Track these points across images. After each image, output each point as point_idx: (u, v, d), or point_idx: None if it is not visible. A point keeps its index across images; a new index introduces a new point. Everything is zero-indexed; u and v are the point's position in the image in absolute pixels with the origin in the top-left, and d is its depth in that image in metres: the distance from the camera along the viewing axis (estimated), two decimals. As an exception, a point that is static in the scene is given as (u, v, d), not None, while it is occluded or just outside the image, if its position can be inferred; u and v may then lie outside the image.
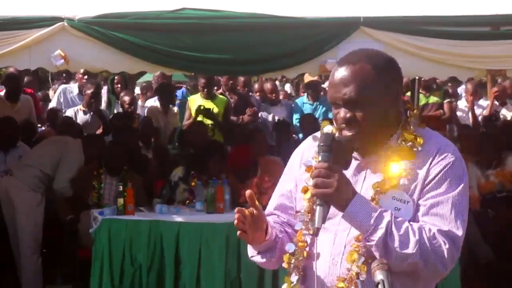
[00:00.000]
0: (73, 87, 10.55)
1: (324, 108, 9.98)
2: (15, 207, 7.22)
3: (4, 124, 7.84)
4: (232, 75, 9.56)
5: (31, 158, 7.51)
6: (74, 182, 7.33)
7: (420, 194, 2.48)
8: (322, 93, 10.64)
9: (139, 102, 10.90)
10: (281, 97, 11.18)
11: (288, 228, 2.68)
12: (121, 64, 6.58)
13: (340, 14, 6.50)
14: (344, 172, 2.48)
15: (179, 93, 11.78)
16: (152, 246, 6.58)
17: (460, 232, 2.45)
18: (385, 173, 2.50)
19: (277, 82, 12.24)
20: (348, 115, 2.48)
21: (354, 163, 2.56)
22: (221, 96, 9.76)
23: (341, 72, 2.51)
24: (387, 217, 2.42)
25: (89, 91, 9.58)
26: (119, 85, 10.82)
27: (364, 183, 2.53)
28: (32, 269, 7.23)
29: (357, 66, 2.50)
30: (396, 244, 2.40)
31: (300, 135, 9.17)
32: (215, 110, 9.29)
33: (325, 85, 11.77)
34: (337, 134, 2.53)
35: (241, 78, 10.12)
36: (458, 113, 10.71)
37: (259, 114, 9.91)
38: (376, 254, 2.43)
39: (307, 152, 2.67)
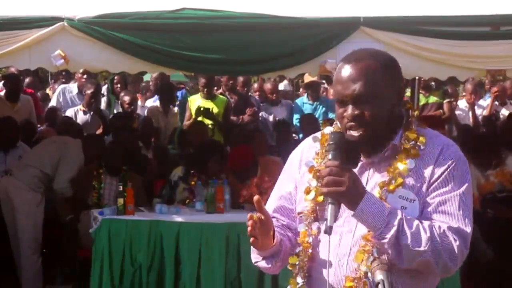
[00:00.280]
0: (73, 87, 10.55)
1: (324, 108, 9.98)
2: (15, 207, 7.22)
3: (4, 124, 7.84)
4: (232, 75, 9.56)
5: (31, 158, 7.51)
6: (74, 182, 7.33)
7: (426, 192, 2.49)
8: (324, 93, 10.65)
9: (139, 102, 10.90)
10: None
11: (289, 232, 2.68)
12: (121, 64, 6.58)
13: (340, 14, 6.50)
14: None
15: (178, 93, 11.77)
16: (152, 246, 6.58)
17: (468, 229, 2.52)
18: (391, 172, 2.51)
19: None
20: (356, 112, 2.48)
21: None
22: (221, 96, 9.76)
23: (348, 69, 2.51)
24: (398, 215, 2.43)
25: (89, 91, 9.59)
26: (119, 85, 10.82)
27: (368, 183, 2.54)
28: (32, 269, 7.23)
29: (364, 63, 2.51)
30: (409, 241, 2.41)
31: (300, 135, 9.17)
32: (215, 110, 9.29)
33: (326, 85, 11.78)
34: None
35: (240, 78, 10.12)
36: (458, 113, 10.70)
37: (260, 114, 9.91)
38: (388, 252, 2.44)
39: (306, 153, 2.66)
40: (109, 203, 7.14)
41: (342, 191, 2.38)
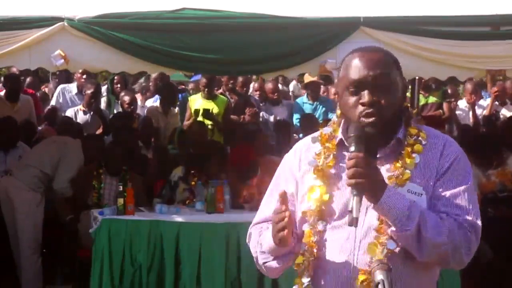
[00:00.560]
0: (72, 87, 10.55)
1: (324, 108, 9.97)
2: (15, 207, 7.22)
3: (4, 124, 7.84)
4: (232, 75, 9.57)
5: (31, 158, 7.51)
6: (74, 182, 7.33)
7: (434, 186, 2.51)
8: (324, 93, 10.65)
9: (139, 102, 10.89)
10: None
11: None
12: (121, 64, 6.58)
13: (340, 14, 6.50)
14: None
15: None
16: (152, 246, 6.57)
17: (479, 222, 2.53)
18: (398, 166, 2.52)
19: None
20: (374, 97, 2.49)
21: None
22: (221, 96, 9.76)
23: (365, 57, 2.55)
24: (418, 206, 2.45)
25: (89, 91, 9.59)
26: (119, 85, 10.82)
27: None
28: (32, 269, 7.23)
29: (379, 54, 2.59)
30: (430, 233, 2.43)
31: (300, 135, 9.16)
32: (216, 110, 9.29)
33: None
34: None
35: (240, 78, 10.13)
36: (458, 113, 10.70)
37: (261, 114, 9.91)
38: (407, 245, 2.45)
39: (305, 154, 2.66)
40: (109, 203, 7.14)
41: (368, 182, 2.39)
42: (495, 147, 8.17)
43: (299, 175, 2.63)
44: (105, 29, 6.24)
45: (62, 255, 7.54)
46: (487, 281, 7.43)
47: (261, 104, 10.19)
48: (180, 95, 11.22)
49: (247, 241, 2.75)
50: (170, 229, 6.60)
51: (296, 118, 9.97)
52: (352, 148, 2.43)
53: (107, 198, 7.32)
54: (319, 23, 6.46)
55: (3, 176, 7.48)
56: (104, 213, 6.68)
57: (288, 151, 2.80)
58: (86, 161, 7.48)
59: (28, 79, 11.37)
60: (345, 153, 2.54)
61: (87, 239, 6.77)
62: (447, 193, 2.51)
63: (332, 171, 2.56)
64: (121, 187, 6.85)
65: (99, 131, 9.11)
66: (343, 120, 2.63)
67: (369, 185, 2.39)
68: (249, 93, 10.54)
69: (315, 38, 6.47)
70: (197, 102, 9.51)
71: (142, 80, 13.14)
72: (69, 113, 9.65)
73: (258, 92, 10.51)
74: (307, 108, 10.09)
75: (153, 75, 10.94)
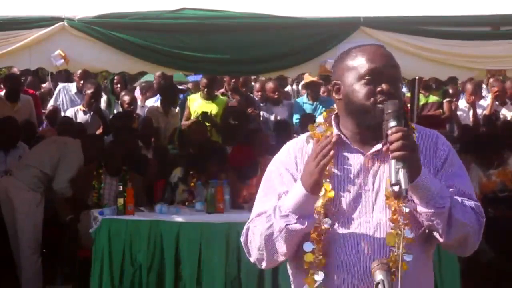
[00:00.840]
0: (72, 86, 10.55)
1: (324, 108, 9.96)
2: (15, 207, 7.22)
3: (5, 124, 7.84)
4: (232, 75, 9.57)
5: (30, 158, 7.51)
6: (73, 182, 7.33)
7: (436, 177, 2.54)
8: (324, 94, 10.64)
9: (139, 102, 10.90)
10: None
11: None
12: (121, 64, 6.58)
13: (340, 14, 6.50)
14: (353, 165, 2.56)
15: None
16: (152, 246, 6.58)
17: (482, 209, 2.61)
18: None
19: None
20: (392, 88, 2.53)
21: (357, 156, 2.57)
22: (221, 97, 9.76)
23: (374, 50, 2.59)
24: (446, 186, 2.52)
25: (89, 91, 9.59)
26: (119, 85, 10.82)
27: (377, 175, 2.56)
28: (32, 269, 7.23)
29: (385, 49, 2.63)
30: (458, 213, 2.50)
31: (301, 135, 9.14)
32: (215, 111, 9.29)
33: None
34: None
35: (240, 78, 10.13)
36: (459, 113, 10.70)
37: (261, 114, 9.92)
38: (437, 224, 2.48)
39: (300, 153, 2.64)
40: (109, 203, 7.14)
41: (414, 155, 2.41)
42: (496, 147, 8.18)
43: (299, 175, 2.60)
44: (105, 29, 6.24)
45: (62, 255, 7.54)
46: (487, 281, 7.43)
47: (261, 104, 10.20)
48: (182, 95, 11.23)
49: (242, 239, 2.69)
50: (170, 229, 6.61)
51: (296, 118, 9.97)
52: (393, 123, 2.43)
53: (107, 198, 7.32)
54: (319, 23, 6.46)
55: (3, 176, 7.49)
56: (104, 213, 6.68)
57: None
58: (86, 161, 7.49)
59: (28, 79, 11.37)
60: (346, 153, 2.56)
61: (87, 239, 6.77)
62: (454, 182, 2.56)
63: (334, 169, 2.56)
64: (121, 187, 6.85)
65: (99, 131, 9.11)
66: (333, 117, 2.65)
67: (414, 158, 2.41)
68: (248, 93, 10.55)
69: (315, 38, 6.46)
70: (196, 102, 9.52)
71: (141, 80, 13.15)
72: (69, 113, 9.65)
73: (259, 93, 10.52)
74: (307, 108, 10.09)
75: (157, 73, 10.92)
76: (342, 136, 2.58)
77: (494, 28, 6.57)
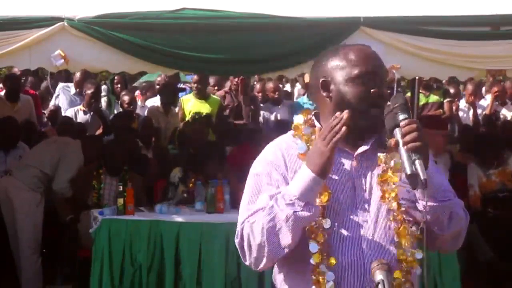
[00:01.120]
0: (71, 86, 10.56)
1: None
2: (15, 207, 7.22)
3: (5, 124, 7.84)
4: (232, 75, 9.57)
5: (30, 158, 7.51)
6: (73, 183, 7.33)
7: None
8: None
9: (139, 102, 10.90)
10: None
11: None
12: (121, 64, 6.57)
13: (340, 14, 6.50)
14: (343, 165, 2.57)
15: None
16: (152, 246, 6.57)
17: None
18: (382, 161, 2.56)
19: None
20: (384, 90, 2.57)
21: (345, 156, 2.57)
22: (214, 96, 9.79)
23: (366, 49, 2.60)
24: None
25: (89, 91, 9.60)
26: (119, 85, 10.82)
27: (367, 173, 2.57)
28: (32, 269, 7.23)
29: (372, 49, 2.64)
30: (456, 206, 2.57)
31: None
32: (207, 110, 9.32)
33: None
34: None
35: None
36: (459, 113, 10.71)
37: (261, 114, 9.92)
38: (440, 217, 2.51)
39: (287, 152, 2.63)
40: (109, 203, 7.14)
41: (427, 146, 2.43)
42: (496, 146, 8.18)
43: (290, 176, 2.58)
44: (105, 29, 6.24)
45: (62, 255, 7.54)
46: (487, 281, 7.44)
47: (261, 105, 10.20)
48: (181, 94, 11.24)
49: (236, 241, 2.65)
50: (170, 229, 6.60)
51: (296, 118, 9.95)
52: (403, 115, 2.45)
53: (107, 198, 7.32)
54: (319, 23, 6.46)
55: (3, 176, 7.48)
56: (104, 213, 6.68)
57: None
58: (86, 161, 7.48)
59: (29, 79, 11.38)
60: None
61: (87, 239, 6.77)
62: (438, 181, 2.57)
63: None
64: (121, 187, 6.85)
65: (99, 131, 9.11)
66: (312, 117, 2.64)
67: (427, 150, 2.43)
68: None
69: (315, 38, 6.46)
70: (190, 102, 9.54)
71: (141, 80, 13.15)
72: (69, 113, 9.66)
73: (260, 94, 10.53)
74: (307, 108, 10.08)
75: (161, 75, 10.91)
76: None
77: (494, 28, 6.56)
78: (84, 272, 6.79)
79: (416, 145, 2.40)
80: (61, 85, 10.78)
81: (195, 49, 6.38)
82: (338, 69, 2.57)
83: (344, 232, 2.53)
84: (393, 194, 2.53)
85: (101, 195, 7.37)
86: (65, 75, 11.60)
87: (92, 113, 9.50)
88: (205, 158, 7.39)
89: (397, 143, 2.44)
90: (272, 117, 9.97)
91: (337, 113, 2.45)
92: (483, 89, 11.28)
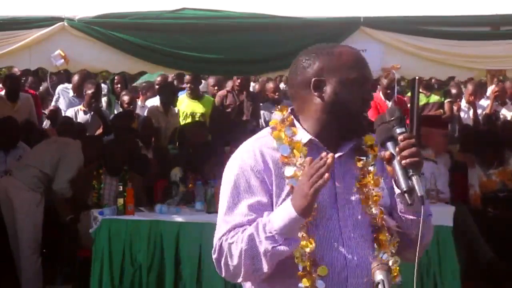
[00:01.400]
0: (70, 88, 10.57)
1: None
2: (15, 207, 7.22)
3: (5, 124, 7.84)
4: (232, 75, 9.57)
5: (31, 158, 7.51)
6: (73, 183, 7.33)
7: (386, 179, 2.56)
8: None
9: (139, 102, 10.90)
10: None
11: None
12: (121, 64, 6.58)
13: (340, 14, 6.50)
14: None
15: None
16: (152, 246, 6.58)
17: None
18: (366, 166, 2.55)
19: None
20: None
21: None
22: (207, 96, 9.80)
23: (360, 55, 2.57)
24: None
25: (89, 91, 9.60)
26: (119, 85, 10.82)
27: (347, 173, 2.54)
28: (32, 269, 7.22)
29: None
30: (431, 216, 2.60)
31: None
32: (201, 110, 9.32)
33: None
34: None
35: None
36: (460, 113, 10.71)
37: (262, 114, 9.92)
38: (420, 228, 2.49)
39: (267, 152, 2.52)
40: (109, 203, 7.14)
41: (422, 163, 2.42)
42: (496, 146, 8.18)
43: (276, 182, 2.49)
44: (105, 29, 6.24)
45: (62, 255, 7.54)
46: (487, 281, 7.44)
47: (261, 104, 10.21)
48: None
49: (214, 256, 2.54)
50: (170, 229, 6.60)
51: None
52: (401, 129, 2.43)
53: (107, 198, 7.32)
54: (319, 23, 6.46)
55: (3, 176, 7.48)
56: (104, 213, 6.68)
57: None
58: (86, 162, 7.48)
59: (29, 79, 11.38)
60: (317, 155, 2.44)
61: (87, 239, 6.77)
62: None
63: None
64: (121, 187, 6.85)
65: (99, 131, 9.11)
66: (292, 118, 2.56)
67: (422, 165, 2.42)
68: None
69: (315, 38, 6.44)
70: (183, 102, 9.55)
71: (141, 80, 13.15)
72: (70, 113, 9.66)
73: (259, 94, 10.54)
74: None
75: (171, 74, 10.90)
76: (315, 139, 2.52)
77: (494, 28, 6.57)
78: (84, 272, 6.79)
79: (414, 160, 2.38)
80: (60, 87, 10.78)
81: (195, 49, 6.38)
82: (335, 70, 2.51)
83: (328, 233, 2.48)
84: (374, 200, 2.52)
85: (101, 195, 7.36)
86: (66, 75, 11.61)
87: (92, 113, 9.49)
88: (205, 159, 7.39)
89: (391, 156, 2.42)
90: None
91: (323, 154, 2.37)
92: (488, 90, 11.27)
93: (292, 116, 2.57)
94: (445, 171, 7.93)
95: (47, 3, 6.48)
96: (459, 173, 8.11)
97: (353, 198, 2.52)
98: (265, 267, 2.42)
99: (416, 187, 2.36)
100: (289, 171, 2.47)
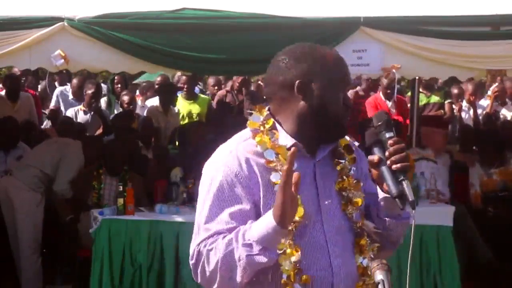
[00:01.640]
0: (69, 90, 10.57)
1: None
2: (15, 207, 7.22)
3: (5, 124, 7.84)
4: (232, 75, 9.58)
5: (31, 158, 7.51)
6: (74, 184, 7.33)
7: (366, 182, 2.57)
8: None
9: (139, 102, 10.91)
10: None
11: None
12: (121, 64, 6.58)
13: (340, 14, 6.50)
14: (307, 171, 2.45)
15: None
16: (152, 246, 6.57)
17: None
18: (345, 169, 2.54)
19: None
20: None
21: (307, 161, 2.48)
22: (202, 96, 9.79)
23: (343, 59, 2.53)
24: None
25: (89, 91, 9.60)
26: (119, 85, 10.82)
27: (327, 177, 2.50)
28: (32, 269, 7.22)
29: None
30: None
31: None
32: (197, 110, 9.32)
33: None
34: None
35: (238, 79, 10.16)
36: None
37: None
38: (401, 230, 2.55)
39: (251, 157, 2.43)
40: (109, 203, 7.14)
41: (412, 167, 2.43)
42: (496, 145, 8.18)
43: (263, 189, 2.41)
44: (105, 29, 6.24)
45: (62, 255, 7.54)
46: (487, 281, 7.43)
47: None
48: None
49: (191, 262, 2.45)
50: (170, 229, 6.60)
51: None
52: (390, 134, 2.42)
53: (107, 198, 7.32)
54: (319, 23, 6.46)
55: (3, 176, 7.48)
56: (104, 213, 6.68)
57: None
58: (86, 162, 7.48)
59: (28, 79, 11.38)
60: (299, 160, 2.38)
61: (87, 239, 6.77)
62: (374, 191, 2.56)
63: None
64: (121, 187, 6.85)
65: (99, 131, 9.11)
66: (275, 123, 2.48)
67: (411, 169, 2.42)
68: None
69: (315, 38, 6.44)
70: (180, 102, 9.57)
71: (140, 79, 13.16)
72: (70, 113, 9.66)
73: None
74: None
75: (177, 75, 10.91)
76: (298, 143, 2.45)
77: (494, 28, 6.57)
78: (84, 272, 6.79)
79: (405, 165, 2.38)
80: (58, 89, 10.78)
81: (195, 49, 6.38)
82: (321, 73, 2.44)
83: (313, 239, 2.44)
84: (354, 204, 2.51)
85: (101, 195, 7.36)
86: (66, 75, 11.61)
87: (92, 113, 9.50)
88: (203, 159, 7.38)
89: (380, 161, 2.41)
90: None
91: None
92: (489, 90, 11.28)
93: (272, 119, 2.49)
94: (445, 171, 7.93)
95: (47, 3, 6.49)
96: (459, 173, 8.12)
97: (334, 202, 2.49)
98: (239, 276, 2.33)
99: (407, 192, 2.36)
100: (275, 177, 2.40)
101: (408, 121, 8.92)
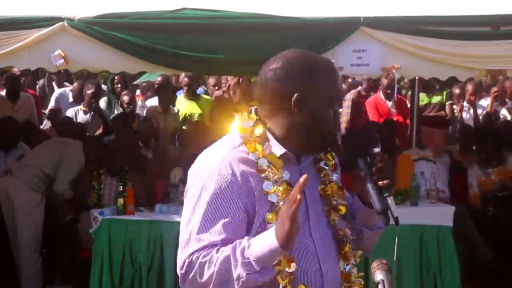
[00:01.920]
0: (69, 92, 10.56)
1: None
2: (15, 207, 7.21)
3: (5, 124, 7.84)
4: (232, 75, 9.57)
5: (31, 158, 7.51)
6: (74, 184, 7.33)
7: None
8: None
9: (139, 102, 10.90)
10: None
11: None
12: (121, 64, 6.58)
13: (340, 14, 6.50)
14: (295, 179, 2.41)
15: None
16: (152, 246, 6.57)
17: None
18: (327, 176, 2.55)
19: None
20: None
21: (294, 168, 2.47)
22: (204, 96, 9.78)
23: (338, 72, 2.54)
24: None
25: (89, 91, 9.60)
26: (119, 85, 10.82)
27: (312, 185, 2.50)
28: (32, 269, 7.22)
29: None
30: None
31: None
32: (198, 111, 9.31)
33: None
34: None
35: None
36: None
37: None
38: (375, 240, 2.61)
39: (243, 167, 2.38)
40: (109, 203, 7.14)
41: (395, 183, 2.43)
42: (495, 145, 8.18)
43: (257, 198, 2.38)
44: (105, 29, 6.24)
45: (62, 255, 7.54)
46: (486, 281, 7.43)
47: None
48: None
49: (181, 271, 2.37)
50: (170, 229, 6.59)
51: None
52: (377, 149, 2.43)
53: (107, 198, 7.32)
54: (319, 23, 6.46)
55: (3, 176, 7.48)
56: (104, 213, 6.68)
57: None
58: (86, 162, 7.47)
59: (28, 79, 11.39)
60: (287, 168, 2.42)
61: (87, 239, 6.77)
62: (349, 201, 2.61)
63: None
64: (121, 187, 6.85)
65: (99, 131, 9.11)
66: (268, 133, 2.45)
67: (394, 185, 2.43)
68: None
69: (315, 38, 6.46)
70: (181, 103, 9.57)
71: (140, 79, 13.15)
72: (70, 113, 9.66)
73: None
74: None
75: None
76: (288, 152, 2.44)
77: (494, 28, 6.57)
78: (84, 272, 6.79)
79: (389, 182, 2.40)
80: (57, 92, 10.77)
81: (195, 49, 6.38)
82: (318, 88, 2.42)
83: (302, 246, 2.42)
84: (338, 211, 2.51)
85: (101, 195, 7.36)
86: (64, 75, 11.61)
87: (92, 113, 9.49)
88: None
89: (365, 175, 2.42)
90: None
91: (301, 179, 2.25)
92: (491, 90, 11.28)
93: (262, 126, 2.45)
94: (445, 171, 7.93)
95: (47, 3, 6.49)
96: (459, 173, 8.11)
97: (318, 208, 2.49)
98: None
99: (392, 209, 2.38)
100: (268, 186, 2.38)
101: (408, 121, 8.92)
